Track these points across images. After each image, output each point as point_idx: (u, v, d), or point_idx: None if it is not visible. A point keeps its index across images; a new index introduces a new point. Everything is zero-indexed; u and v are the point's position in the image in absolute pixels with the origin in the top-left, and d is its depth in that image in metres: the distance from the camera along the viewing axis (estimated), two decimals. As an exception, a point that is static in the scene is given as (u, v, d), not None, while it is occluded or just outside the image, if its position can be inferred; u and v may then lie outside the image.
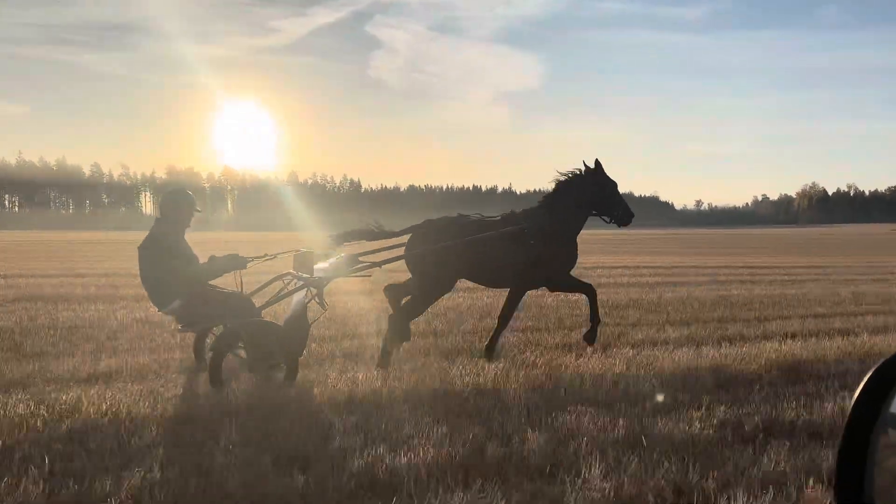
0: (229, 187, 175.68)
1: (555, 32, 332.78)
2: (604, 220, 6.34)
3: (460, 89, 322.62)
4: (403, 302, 6.00)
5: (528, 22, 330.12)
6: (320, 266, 5.68)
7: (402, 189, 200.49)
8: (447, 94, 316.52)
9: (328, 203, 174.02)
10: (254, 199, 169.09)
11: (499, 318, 6.25)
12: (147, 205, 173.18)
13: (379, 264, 5.78)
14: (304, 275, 5.50)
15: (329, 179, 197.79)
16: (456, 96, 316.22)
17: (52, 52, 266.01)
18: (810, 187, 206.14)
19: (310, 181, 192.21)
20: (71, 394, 4.65)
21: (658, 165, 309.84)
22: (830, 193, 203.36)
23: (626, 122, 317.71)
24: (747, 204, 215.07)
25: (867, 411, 1.09)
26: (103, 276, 15.19)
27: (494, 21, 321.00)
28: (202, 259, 5.50)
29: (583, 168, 6.23)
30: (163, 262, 5.20)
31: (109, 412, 4.28)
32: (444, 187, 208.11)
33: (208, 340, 5.55)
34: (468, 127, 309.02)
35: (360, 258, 5.81)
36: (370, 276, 5.77)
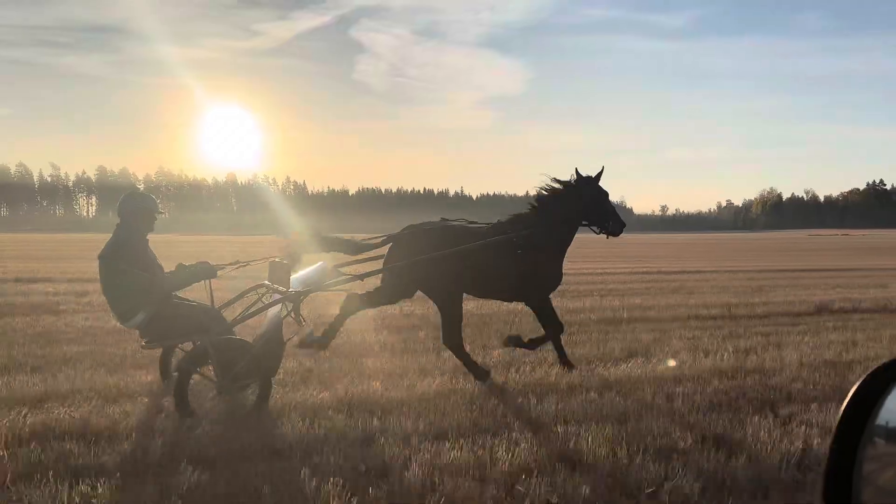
0: (164, 187, 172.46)
1: (539, 38, 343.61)
2: (594, 230, 6.28)
3: (444, 93, 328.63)
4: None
5: (511, 27, 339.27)
6: (297, 277, 5.54)
7: (350, 192, 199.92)
8: (431, 98, 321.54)
9: (271, 205, 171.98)
10: (191, 200, 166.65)
11: (546, 337, 6.17)
12: (83, 206, 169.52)
13: (360, 277, 5.66)
14: (280, 287, 5.37)
15: (272, 181, 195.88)
16: (440, 100, 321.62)
17: (33, 54, 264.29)
18: (768, 193, 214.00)
19: (251, 183, 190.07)
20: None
21: (639, 170, 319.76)
22: (786, 199, 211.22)
23: (609, 128, 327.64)
24: (711, 210, 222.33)
25: (854, 422, 1.12)
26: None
27: (478, 26, 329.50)
28: (168, 267, 5.33)
29: (577, 176, 6.15)
30: (125, 271, 4.96)
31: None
32: (395, 190, 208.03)
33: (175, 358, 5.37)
34: (451, 130, 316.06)
35: (340, 269, 5.70)
36: (350, 290, 5.68)
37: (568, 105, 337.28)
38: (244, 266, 5.67)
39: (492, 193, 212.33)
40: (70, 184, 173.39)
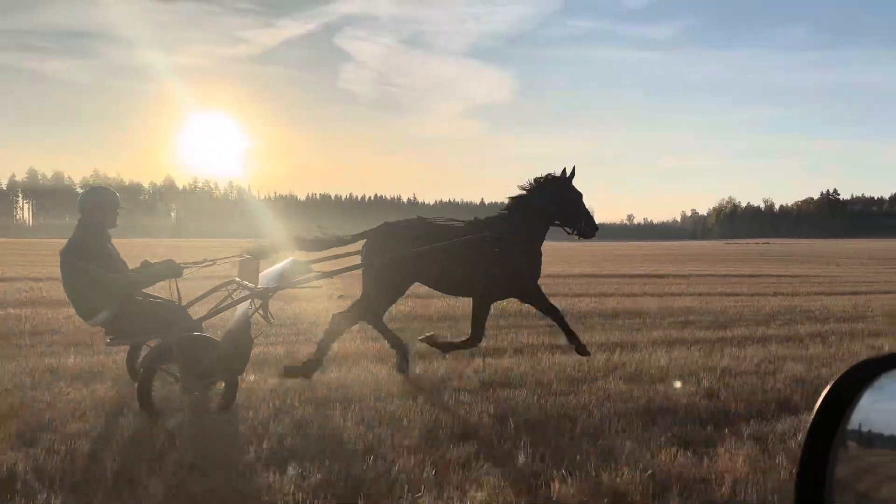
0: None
1: (525, 49, 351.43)
2: (566, 231, 6.41)
3: (430, 103, 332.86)
4: (351, 304, 5.99)
5: (497, 38, 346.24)
6: (266, 274, 5.59)
7: (300, 197, 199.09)
8: (417, 107, 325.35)
9: (214, 210, 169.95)
10: (127, 204, 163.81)
11: (470, 338, 6.20)
12: (20, 211, 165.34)
13: (331, 274, 5.72)
14: (250, 284, 5.39)
15: (213, 186, 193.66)
16: (425, 109, 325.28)
17: (16, 59, 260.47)
18: (726, 202, 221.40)
19: (191, 187, 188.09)
20: None
21: (619, 178, 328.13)
22: (742, 209, 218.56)
23: (594, 137, 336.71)
24: (675, 219, 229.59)
25: (827, 425, 1.13)
26: None
27: (464, 36, 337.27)
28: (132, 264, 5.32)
29: (549, 176, 6.29)
30: (87, 268, 4.95)
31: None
32: (345, 196, 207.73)
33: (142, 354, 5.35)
34: (436, 140, 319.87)
35: (311, 266, 5.75)
36: (320, 287, 5.72)
37: (553, 115, 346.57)
38: (211, 265, 5.69)
39: (447, 200, 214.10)
40: (4, 186, 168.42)
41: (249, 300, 5.32)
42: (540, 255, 6.36)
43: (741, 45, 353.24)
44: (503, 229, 6.06)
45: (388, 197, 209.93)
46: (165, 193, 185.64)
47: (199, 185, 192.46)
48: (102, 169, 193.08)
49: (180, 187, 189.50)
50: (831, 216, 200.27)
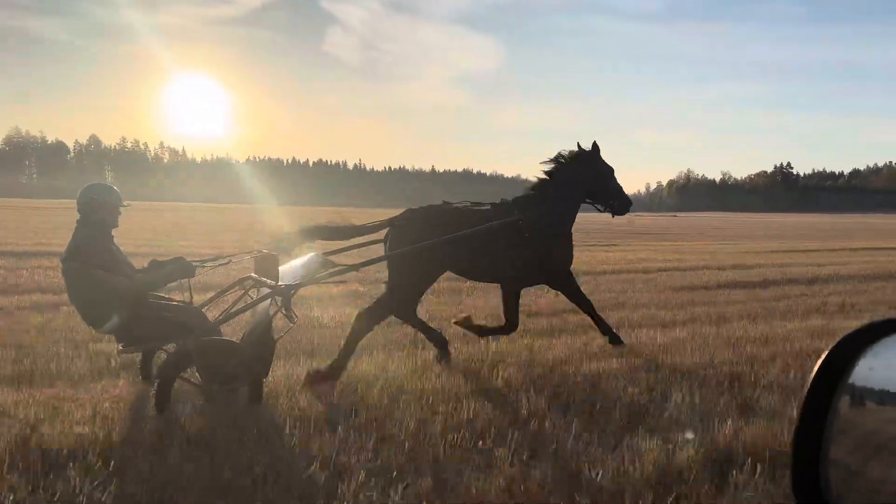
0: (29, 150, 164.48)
1: (512, 15, 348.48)
2: (598, 208, 6.36)
3: (416, 69, 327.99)
4: (378, 298, 5.80)
5: (484, 4, 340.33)
6: (286, 269, 5.37)
7: (239, 160, 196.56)
8: (403, 73, 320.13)
9: (144, 172, 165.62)
10: (53, 164, 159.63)
11: (506, 325, 6.23)
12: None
13: (356, 267, 5.49)
14: (269, 281, 5.15)
15: (143, 147, 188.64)
16: (411, 76, 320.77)
17: None
18: (684, 174, 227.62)
19: (117, 146, 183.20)
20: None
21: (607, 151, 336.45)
22: (695, 182, 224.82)
23: (579, 108, 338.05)
24: (640, 191, 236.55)
25: (823, 392, 1.13)
26: None
27: (451, 1, 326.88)
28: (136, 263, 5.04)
29: (577, 151, 6.19)
30: (91, 275, 4.70)
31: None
32: (289, 160, 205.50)
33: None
34: (421, 107, 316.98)
35: (332, 258, 5.54)
36: (345, 281, 5.52)
37: (539, 84, 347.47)
38: (225, 264, 5.47)
39: (397, 167, 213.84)
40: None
41: (271, 298, 5.10)
42: (570, 237, 6.26)
43: (729, 19, 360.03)
44: (535, 212, 5.92)
45: (332, 162, 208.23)
46: (92, 153, 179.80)
47: (128, 145, 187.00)
48: (25, 126, 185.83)
49: (110, 146, 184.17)
50: (785, 189, 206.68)
